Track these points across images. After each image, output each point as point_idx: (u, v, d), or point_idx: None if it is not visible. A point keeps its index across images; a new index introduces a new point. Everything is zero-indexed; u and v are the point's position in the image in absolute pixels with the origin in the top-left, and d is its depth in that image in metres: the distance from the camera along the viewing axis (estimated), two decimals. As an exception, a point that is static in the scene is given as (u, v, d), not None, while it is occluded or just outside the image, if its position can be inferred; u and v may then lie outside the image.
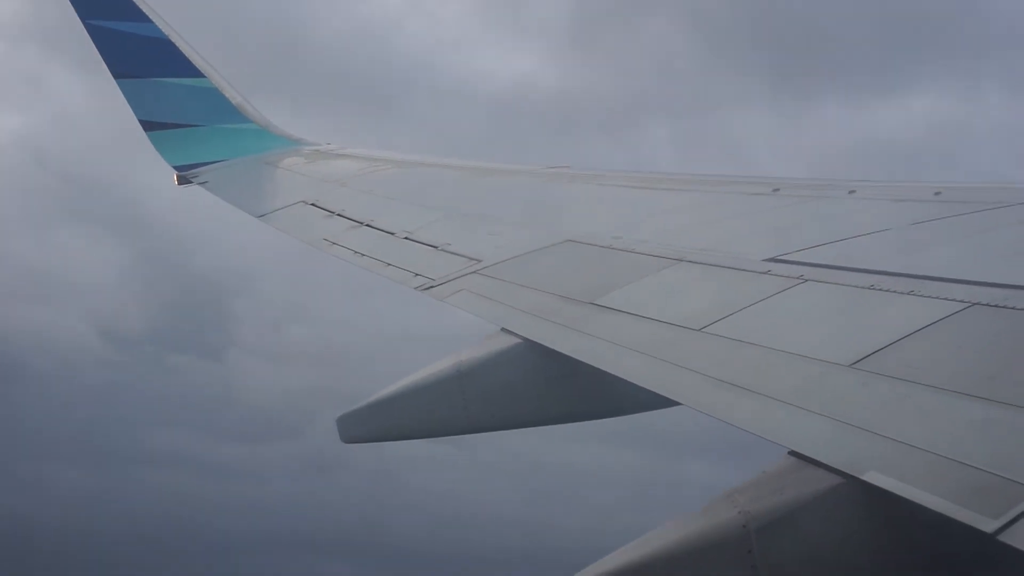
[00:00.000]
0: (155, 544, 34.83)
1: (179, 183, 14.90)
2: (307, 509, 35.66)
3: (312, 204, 11.85)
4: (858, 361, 4.60)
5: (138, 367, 42.08)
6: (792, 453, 4.27)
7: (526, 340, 6.48)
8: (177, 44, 15.63)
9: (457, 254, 8.53)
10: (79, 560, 33.55)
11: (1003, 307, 4.69)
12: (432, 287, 7.95)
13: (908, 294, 5.19)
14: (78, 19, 15.06)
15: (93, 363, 42.03)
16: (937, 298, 5.00)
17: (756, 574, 4.06)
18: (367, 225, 10.34)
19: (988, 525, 3.27)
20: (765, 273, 6.10)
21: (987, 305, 4.76)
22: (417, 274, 8.38)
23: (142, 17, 15.40)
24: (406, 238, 9.52)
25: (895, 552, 4.07)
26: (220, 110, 15.73)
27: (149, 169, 15.70)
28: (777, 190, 8.35)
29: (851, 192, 7.79)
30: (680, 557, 4.16)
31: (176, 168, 15.07)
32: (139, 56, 15.50)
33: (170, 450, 40.05)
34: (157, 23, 15.47)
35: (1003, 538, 3.20)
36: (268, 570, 35.01)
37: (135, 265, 43.67)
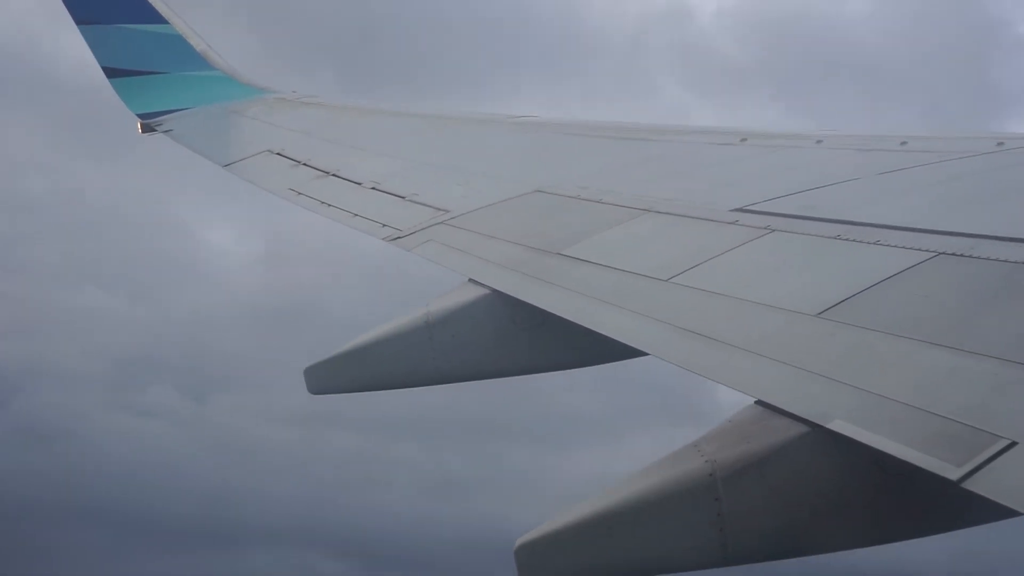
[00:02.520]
0: None
1: (143, 131, 14.73)
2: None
3: (278, 153, 11.75)
4: (825, 311, 4.63)
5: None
6: (759, 402, 4.30)
7: (494, 291, 6.48)
8: None
9: (425, 204, 8.50)
10: None
11: (968, 256, 4.72)
12: (400, 238, 7.93)
13: (874, 244, 5.22)
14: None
15: None
16: (903, 248, 5.03)
17: (723, 522, 4.10)
18: (333, 175, 10.27)
19: (953, 473, 3.31)
20: (732, 223, 6.11)
21: (952, 254, 4.79)
22: (385, 224, 8.34)
23: None
24: (373, 188, 9.46)
25: (861, 500, 4.12)
26: (184, 57, 15.53)
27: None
28: (744, 140, 8.34)
29: (818, 142, 7.81)
30: (647, 505, 4.19)
31: (140, 116, 14.90)
32: (101, 2, 15.27)
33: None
34: None
35: (967, 485, 3.24)
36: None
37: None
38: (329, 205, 9.44)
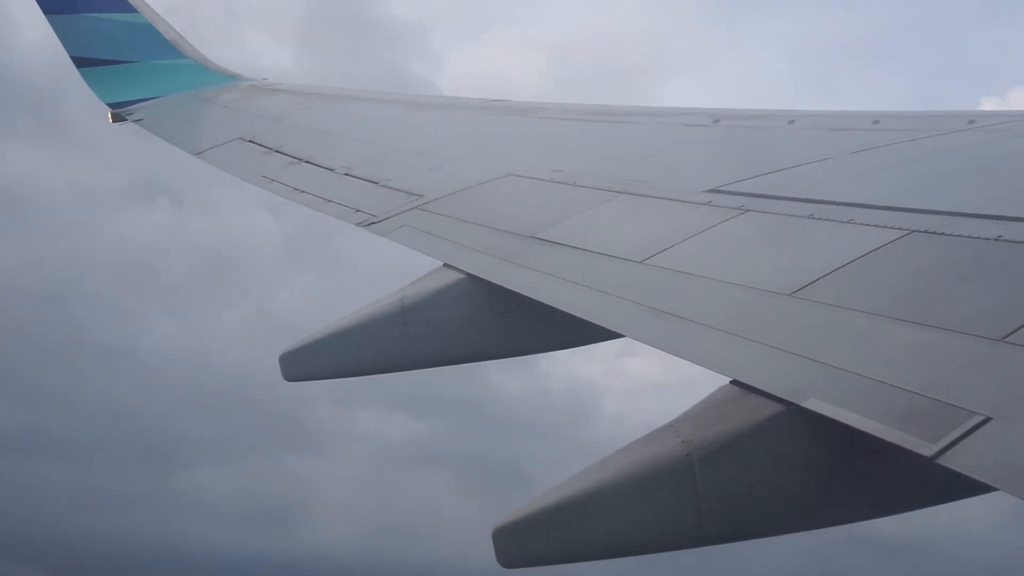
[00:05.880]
0: None
1: (114, 121, 14.63)
2: None
3: (250, 140, 11.69)
4: (798, 290, 4.63)
5: None
6: (734, 382, 4.31)
7: (469, 275, 6.46)
8: None
9: (398, 190, 8.47)
10: None
11: (940, 233, 4.74)
12: (374, 223, 7.89)
13: (848, 222, 5.22)
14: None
15: None
16: (876, 226, 5.04)
17: (699, 502, 4.11)
18: (306, 161, 10.23)
19: (927, 449, 3.32)
20: (706, 204, 6.12)
21: (925, 232, 4.80)
22: (358, 210, 8.31)
23: None
24: (346, 174, 9.42)
25: (837, 478, 4.13)
26: (154, 46, 15.43)
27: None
28: (717, 121, 8.35)
29: (790, 122, 7.81)
30: (623, 487, 4.20)
31: (110, 106, 14.79)
32: None
33: None
34: None
35: (942, 461, 3.25)
36: None
37: None
38: (302, 191, 9.39)
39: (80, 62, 15.19)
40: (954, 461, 3.23)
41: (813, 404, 3.83)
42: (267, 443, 34.04)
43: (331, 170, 9.69)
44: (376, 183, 8.86)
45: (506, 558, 4.31)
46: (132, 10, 15.36)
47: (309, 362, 6.80)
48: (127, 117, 14.51)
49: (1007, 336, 3.73)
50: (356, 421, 34.96)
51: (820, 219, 5.41)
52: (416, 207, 7.88)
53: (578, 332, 6.05)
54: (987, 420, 3.32)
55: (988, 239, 4.54)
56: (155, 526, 31.31)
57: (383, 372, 6.91)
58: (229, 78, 15.28)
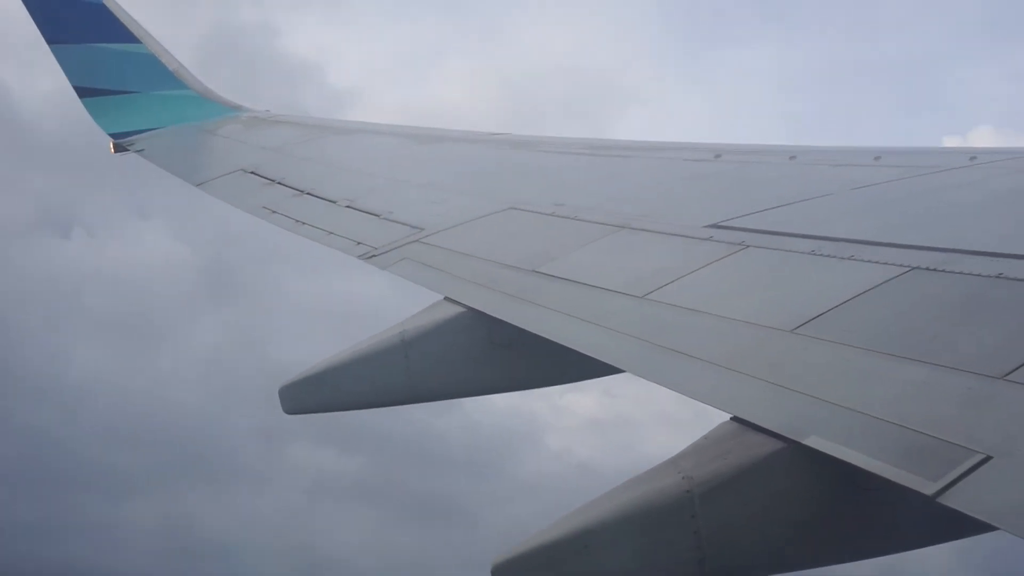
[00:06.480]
0: None
1: (115, 151, 14.68)
2: None
3: (252, 172, 11.71)
4: (800, 326, 4.63)
5: None
6: (735, 419, 4.30)
7: (469, 309, 6.46)
8: (111, 9, 15.37)
9: (399, 222, 8.48)
10: None
11: (941, 271, 4.74)
12: (375, 255, 7.90)
13: (848, 259, 5.23)
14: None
15: None
16: (877, 262, 5.04)
17: (699, 539, 4.09)
18: (308, 193, 10.25)
19: (928, 487, 3.31)
20: (707, 239, 6.12)
21: (926, 269, 4.80)
22: (359, 242, 8.32)
23: None
24: (348, 206, 9.43)
25: (838, 515, 4.11)
26: (156, 76, 15.49)
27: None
28: (719, 156, 8.37)
29: (792, 158, 7.83)
30: (624, 522, 4.18)
31: (112, 136, 14.85)
32: (73, 21, 15.23)
33: None
34: None
35: (943, 500, 3.24)
36: None
37: None
38: (304, 223, 9.40)
39: (83, 92, 15.26)
40: (955, 500, 3.22)
41: (814, 442, 3.82)
42: (199, 476, 34.27)
43: (333, 202, 9.71)
44: (378, 215, 8.87)
45: None
46: (135, 40, 15.43)
47: (308, 395, 6.77)
48: (128, 147, 14.56)
49: (1007, 374, 3.73)
50: (286, 456, 35.11)
51: (821, 255, 5.41)
52: (417, 240, 7.89)
53: (578, 367, 6.05)
54: (987, 459, 3.32)
55: (989, 276, 4.55)
56: (81, 562, 31.40)
57: (383, 406, 6.89)
58: (231, 109, 15.34)
